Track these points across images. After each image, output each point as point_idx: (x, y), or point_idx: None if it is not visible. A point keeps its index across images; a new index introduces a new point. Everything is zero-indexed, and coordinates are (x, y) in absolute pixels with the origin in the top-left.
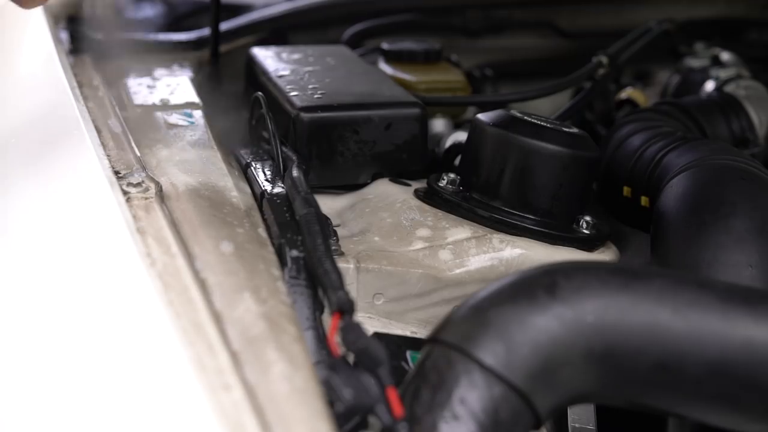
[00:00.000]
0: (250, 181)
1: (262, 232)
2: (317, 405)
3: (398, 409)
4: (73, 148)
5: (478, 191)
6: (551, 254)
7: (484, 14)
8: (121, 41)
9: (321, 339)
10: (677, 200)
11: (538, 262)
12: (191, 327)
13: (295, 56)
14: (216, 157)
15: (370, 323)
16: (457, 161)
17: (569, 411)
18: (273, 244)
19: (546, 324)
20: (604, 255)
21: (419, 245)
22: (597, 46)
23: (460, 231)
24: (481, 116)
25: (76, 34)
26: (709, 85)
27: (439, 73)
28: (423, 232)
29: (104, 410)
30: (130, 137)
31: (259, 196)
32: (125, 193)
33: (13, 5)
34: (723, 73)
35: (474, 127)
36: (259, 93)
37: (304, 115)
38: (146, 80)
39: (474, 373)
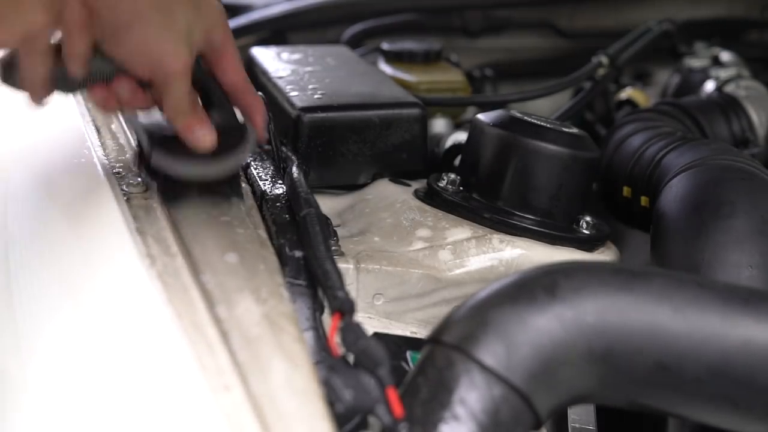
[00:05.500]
0: (250, 181)
1: (262, 232)
2: (317, 405)
3: (398, 409)
4: (73, 148)
5: (478, 191)
6: (551, 254)
7: (484, 14)
8: None
9: (321, 339)
10: (677, 200)
11: (538, 262)
12: (191, 327)
13: (295, 56)
14: None
15: (370, 323)
16: (457, 161)
17: (569, 411)
18: (273, 245)
19: (546, 324)
20: (604, 255)
21: (419, 245)
22: (597, 46)
23: (460, 231)
24: (481, 116)
25: None
26: (709, 85)
27: (439, 73)
28: (423, 232)
29: (104, 411)
30: (130, 137)
31: (259, 196)
32: (125, 193)
33: None
34: (723, 73)
35: (474, 127)
36: (259, 93)
37: (305, 116)
38: None
39: (474, 373)
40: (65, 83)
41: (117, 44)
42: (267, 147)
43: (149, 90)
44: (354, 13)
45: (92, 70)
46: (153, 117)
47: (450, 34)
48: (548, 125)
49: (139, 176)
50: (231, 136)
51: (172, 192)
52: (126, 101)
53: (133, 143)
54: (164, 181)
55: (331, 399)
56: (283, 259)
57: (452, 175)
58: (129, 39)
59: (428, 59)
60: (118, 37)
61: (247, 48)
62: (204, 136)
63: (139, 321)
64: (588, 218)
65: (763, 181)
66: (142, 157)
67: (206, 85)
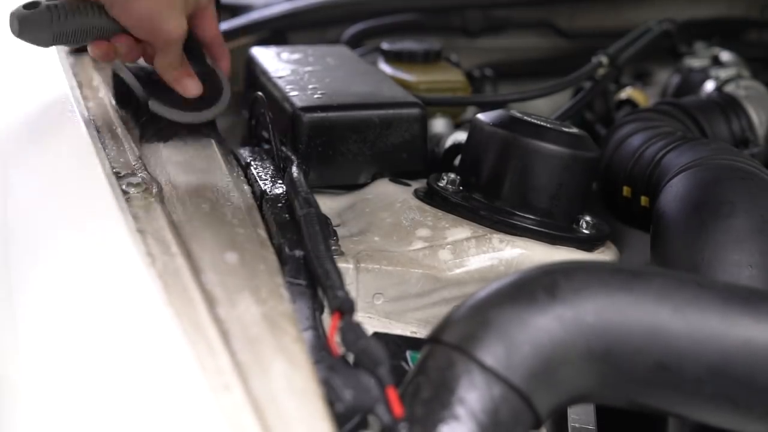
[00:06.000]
0: (250, 181)
1: (262, 232)
2: (317, 405)
3: (398, 409)
4: (73, 148)
5: (477, 191)
6: (551, 254)
7: (484, 14)
8: None
9: (321, 339)
10: (677, 200)
11: (538, 262)
12: (191, 327)
13: (295, 56)
14: (216, 157)
15: (370, 323)
16: (457, 161)
17: (569, 411)
18: (273, 244)
19: (546, 324)
20: (604, 255)
21: (419, 245)
22: (597, 46)
23: (460, 231)
24: (481, 116)
25: None
26: (709, 85)
27: (439, 73)
28: (423, 232)
29: (104, 411)
30: (130, 137)
31: (259, 196)
32: (125, 193)
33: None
34: (723, 73)
35: (474, 127)
36: (259, 93)
37: (304, 116)
38: None
39: (474, 373)
40: (71, 39)
41: (124, 12)
42: (267, 147)
43: (145, 46)
44: (354, 13)
45: (98, 29)
46: (142, 69)
47: (450, 34)
48: (548, 125)
49: (140, 176)
50: (209, 83)
51: (161, 132)
52: (123, 55)
53: (136, 149)
54: (154, 123)
55: (331, 399)
56: (282, 259)
57: (452, 175)
58: (134, 9)
59: (428, 59)
60: (126, 7)
61: (247, 48)
62: (191, 86)
63: (139, 321)
64: (588, 218)
65: (762, 181)
66: (131, 103)
67: (188, 41)
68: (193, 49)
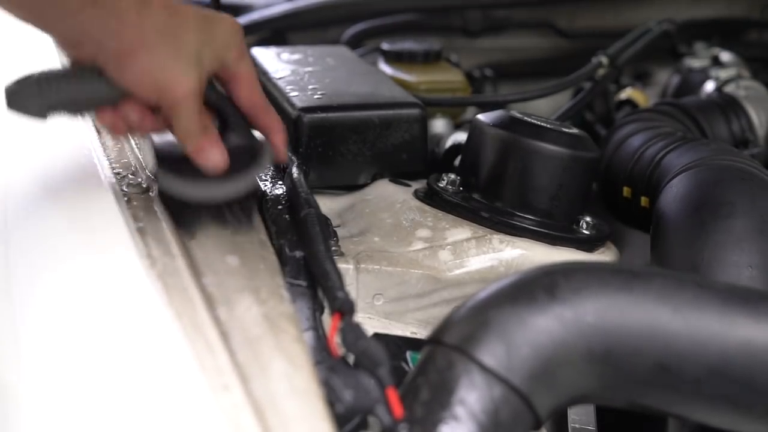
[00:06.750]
0: None
1: (262, 232)
2: (317, 405)
3: (398, 409)
4: (73, 148)
5: (478, 192)
6: (551, 255)
7: (484, 14)
8: None
9: (321, 340)
10: (677, 201)
11: (538, 262)
12: (191, 327)
13: (295, 57)
14: None
15: (370, 324)
16: (457, 161)
17: (569, 411)
18: (273, 245)
19: (546, 324)
20: (604, 255)
21: (419, 246)
22: (597, 46)
23: (460, 231)
24: (481, 117)
25: None
26: (709, 86)
27: (439, 73)
28: (423, 232)
29: (104, 411)
30: (130, 137)
31: (259, 197)
32: (125, 193)
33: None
34: (723, 74)
35: (474, 127)
36: None
37: (305, 116)
38: None
39: (474, 374)
40: (70, 108)
41: (121, 71)
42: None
43: (159, 113)
44: (354, 13)
45: (99, 95)
46: (167, 137)
47: (450, 34)
48: (548, 125)
49: (140, 177)
50: (247, 158)
51: (183, 216)
52: (135, 124)
53: (136, 149)
54: (176, 204)
55: (331, 399)
56: (283, 260)
57: (452, 176)
58: (133, 66)
59: (428, 59)
60: (122, 64)
61: (247, 48)
62: (214, 158)
63: (140, 321)
64: (588, 218)
65: (762, 181)
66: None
67: (220, 106)
68: (229, 117)
